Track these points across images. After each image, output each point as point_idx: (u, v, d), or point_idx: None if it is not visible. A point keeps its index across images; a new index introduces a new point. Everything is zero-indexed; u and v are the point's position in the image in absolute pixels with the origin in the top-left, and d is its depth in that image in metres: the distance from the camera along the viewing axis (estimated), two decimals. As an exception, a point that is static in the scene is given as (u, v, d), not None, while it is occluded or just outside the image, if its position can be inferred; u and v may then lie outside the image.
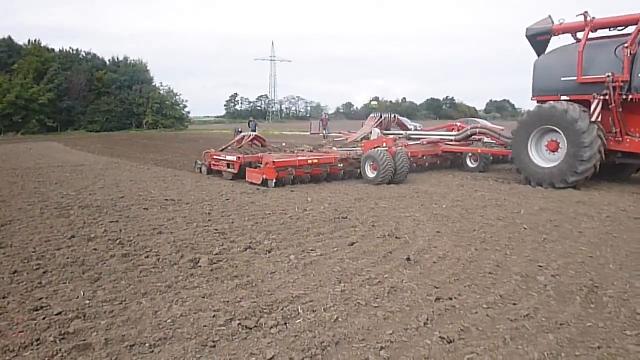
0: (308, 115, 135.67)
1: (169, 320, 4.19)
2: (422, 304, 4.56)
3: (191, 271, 5.49)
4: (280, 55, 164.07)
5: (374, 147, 13.03)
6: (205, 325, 4.09)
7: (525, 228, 7.55)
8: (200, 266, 5.65)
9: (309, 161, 12.67)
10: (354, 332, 3.97)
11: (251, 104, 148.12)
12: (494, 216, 8.40)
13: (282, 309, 4.41)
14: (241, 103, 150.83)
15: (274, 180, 11.97)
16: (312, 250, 6.30)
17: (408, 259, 5.86)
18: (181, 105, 73.39)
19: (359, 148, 14.60)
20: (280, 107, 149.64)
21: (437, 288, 4.96)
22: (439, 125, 21.98)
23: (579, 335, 3.93)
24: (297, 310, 4.40)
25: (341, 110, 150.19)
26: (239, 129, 41.04)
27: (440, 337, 3.86)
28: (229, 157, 13.72)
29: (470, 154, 15.91)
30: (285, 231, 7.31)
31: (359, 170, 13.36)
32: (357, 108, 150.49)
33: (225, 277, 5.30)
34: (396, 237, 6.93)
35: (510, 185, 12.49)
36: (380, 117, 19.36)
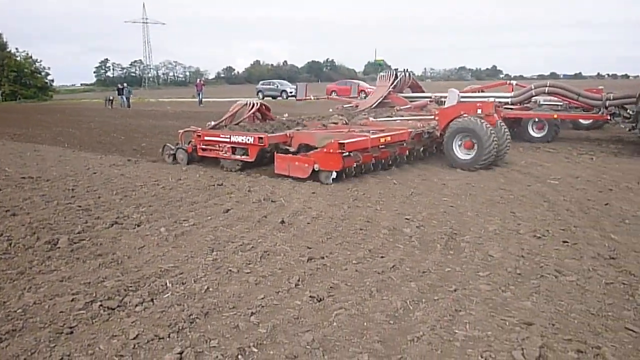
0: (187, 81, 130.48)
1: (20, 310, 3.80)
2: (294, 266, 4.59)
3: (48, 254, 5.03)
4: (153, 17, 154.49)
5: (459, 117, 9.37)
6: (61, 311, 3.76)
7: (395, 183, 7.90)
8: (59, 247, 5.20)
9: (382, 140, 8.57)
10: (224, 301, 3.88)
11: (124, 71, 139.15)
12: (368, 174, 8.68)
13: (149, 285, 4.20)
14: (113, 70, 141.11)
15: (333, 172, 8.00)
16: (184, 220, 6.08)
17: (282, 221, 5.87)
18: (43, 74, 66.91)
19: (413, 117, 10.91)
20: (157, 73, 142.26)
21: (309, 249, 5.02)
22: (482, 85, 17.72)
23: (438, 280, 4.19)
24: (166, 284, 4.21)
25: (222, 75, 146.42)
26: (111, 97, 38.51)
27: (310, 296, 3.91)
28: (238, 138, 9.08)
29: (535, 120, 12.92)
30: (157, 203, 6.97)
31: (424, 150, 10.12)
32: (238, 72, 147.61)
33: (88, 257, 4.93)
34: (272, 201, 6.90)
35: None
36: (395, 76, 14.87)
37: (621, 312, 3.59)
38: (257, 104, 11.05)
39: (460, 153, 9.22)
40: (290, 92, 47.00)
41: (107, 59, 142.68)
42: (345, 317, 3.56)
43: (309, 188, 7.67)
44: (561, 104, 13.28)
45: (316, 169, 8.04)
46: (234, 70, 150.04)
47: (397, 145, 9.07)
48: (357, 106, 14.15)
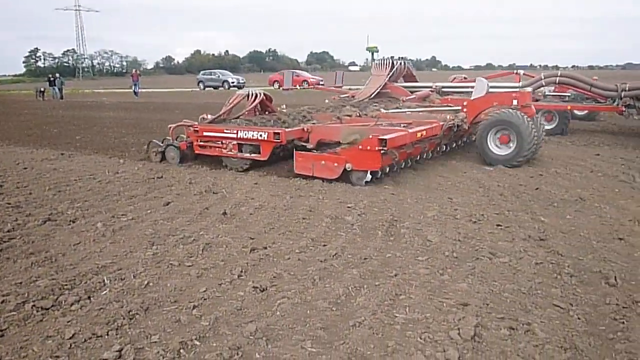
0: (125, 71, 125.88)
1: (-57, 315, 3.59)
2: (237, 257, 4.56)
3: (-26, 255, 4.77)
4: (86, 4, 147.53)
5: (491, 108, 8.76)
6: (-9, 314, 3.59)
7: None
8: (-14, 248, 4.93)
9: (419, 134, 7.69)
10: (165, 295, 3.81)
11: (56, 60, 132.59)
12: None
13: (86, 283, 4.06)
14: (44, 59, 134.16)
15: (368, 173, 7.13)
16: (122, 215, 5.90)
17: (224, 213, 5.81)
18: (-35, 63, 62.81)
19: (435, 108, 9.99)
20: (92, 63, 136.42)
21: (252, 239, 5.00)
22: (488, 75, 16.31)
23: (379, 266, 4.28)
24: (103, 281, 4.09)
25: (161, 65, 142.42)
26: (42, 89, 36.62)
27: (253, 287, 3.90)
28: (248, 134, 8.01)
29: (545, 112, 12.24)
30: (93, 197, 6.73)
31: (451, 145, 9.44)
32: (178, 62, 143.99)
33: (19, 256, 4.70)
34: (213, 193, 6.82)
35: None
36: (392, 64, 13.37)
37: (550, 289, 3.79)
38: (260, 94, 9.52)
39: (496, 148, 8.47)
40: (233, 83, 46.41)
41: (37, 48, 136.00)
42: (288, 305, 3.58)
43: (251, 179, 7.63)
44: (568, 94, 12.94)
45: (348, 169, 7.09)
46: (174, 60, 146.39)
47: (428, 140, 8.27)
48: (353, 97, 12.87)
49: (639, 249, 4.53)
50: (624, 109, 11.29)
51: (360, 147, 6.94)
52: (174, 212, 5.96)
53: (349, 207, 6.00)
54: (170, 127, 9.33)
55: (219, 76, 48.01)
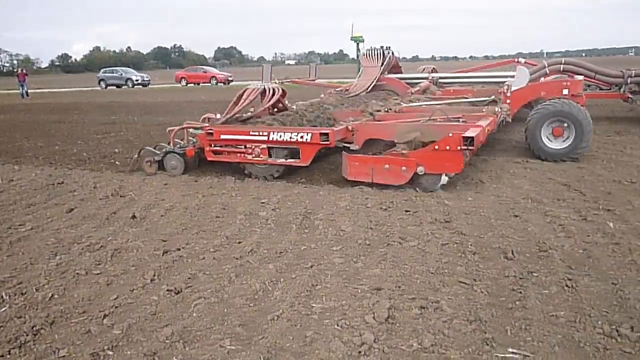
0: (15, 70, 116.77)
1: None
2: (149, 261, 4.42)
3: None
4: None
5: (538, 99, 8.32)
6: None
7: (250, 168, 7.93)
8: None
9: (487, 130, 6.99)
10: (72, 307, 3.63)
11: None
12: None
13: (-19, 300, 3.77)
14: None
15: (444, 176, 6.33)
16: (20, 225, 5.51)
17: (133, 216, 5.60)
18: None
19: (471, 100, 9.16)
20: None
21: (164, 241, 4.87)
22: (482, 65, 16.10)
23: (295, 259, 4.33)
24: (2, 297, 3.81)
25: (57, 64, 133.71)
26: None
27: (167, 290, 3.81)
28: (285, 136, 6.88)
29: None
30: (-15, 209, 6.23)
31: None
32: (76, 60, 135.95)
33: None
34: (121, 196, 6.54)
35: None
36: (383, 54, 12.19)
37: (455, 268, 4.02)
38: (278, 90, 8.17)
39: (549, 142, 7.87)
40: (137, 80, 44.59)
41: None
42: (204, 306, 3.54)
43: (160, 180, 7.39)
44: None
45: (420, 173, 6.21)
46: (71, 57, 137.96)
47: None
48: (347, 90, 11.82)
49: (530, 224, 4.92)
50: (629, 96, 11.02)
51: (437, 147, 6.08)
52: (79, 219, 5.66)
53: (262, 202, 5.99)
54: (171, 131, 7.97)
55: (121, 74, 45.95)
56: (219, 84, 43.85)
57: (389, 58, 12.35)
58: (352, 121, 7.33)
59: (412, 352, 2.91)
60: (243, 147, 7.19)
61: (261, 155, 7.10)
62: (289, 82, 16.20)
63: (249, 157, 7.18)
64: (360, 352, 2.92)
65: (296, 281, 3.86)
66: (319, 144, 6.76)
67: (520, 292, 3.58)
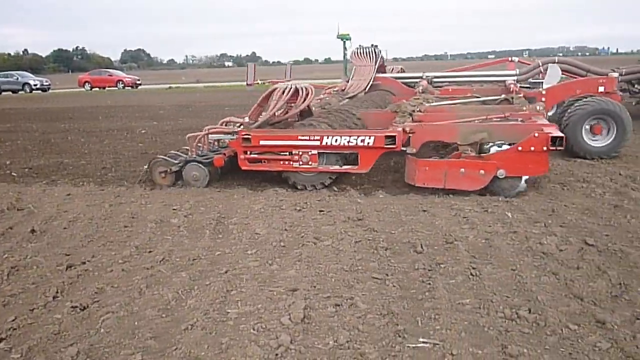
0: None
1: None
2: (50, 277, 4.14)
3: None
4: None
5: (572, 97, 8.26)
6: None
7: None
8: None
9: None
10: (-38, 333, 3.32)
11: None
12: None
13: None
14: None
15: (523, 180, 6.04)
16: None
17: (33, 230, 5.23)
18: None
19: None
20: None
21: (68, 255, 4.59)
22: (475, 64, 15.67)
23: (209, 265, 4.24)
24: None
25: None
26: None
27: (72, 307, 3.58)
28: (342, 139, 6.30)
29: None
30: None
31: None
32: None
33: None
34: (18, 209, 6.08)
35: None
36: (375, 53, 11.51)
37: (368, 264, 4.13)
38: (311, 90, 7.33)
39: (591, 140, 7.80)
40: (35, 85, 41.73)
41: None
42: (113, 320, 3.37)
43: (63, 190, 6.96)
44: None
45: (500, 176, 5.84)
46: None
47: None
48: (342, 90, 11.10)
49: (438, 218, 5.16)
50: (620, 93, 10.68)
51: (520, 148, 5.77)
52: (-32, 237, 5.20)
53: (174, 209, 5.82)
54: (192, 137, 7.14)
55: (17, 78, 42.70)
56: (126, 87, 42.08)
57: (380, 57, 11.93)
58: (400, 123, 6.58)
59: (328, 350, 2.95)
60: (288, 153, 6.51)
61: (311, 162, 6.42)
62: (269, 82, 15.42)
63: (295, 164, 6.49)
64: (277, 354, 2.91)
65: (210, 288, 3.79)
66: (383, 148, 6.27)
67: (429, 284, 3.74)
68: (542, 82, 10.87)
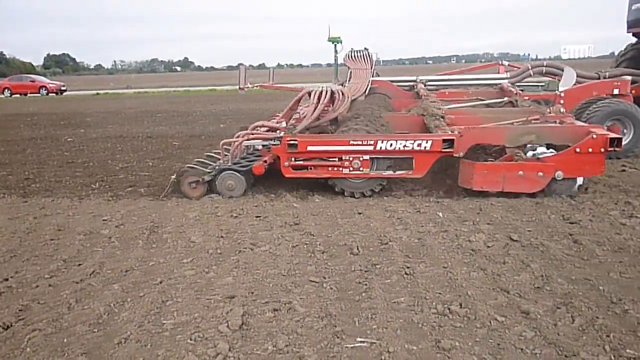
0: None
1: None
2: (-31, 297, 3.89)
3: None
4: None
5: (591, 98, 8.45)
6: None
7: (94, 187, 7.38)
8: None
9: None
10: None
11: None
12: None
13: None
14: None
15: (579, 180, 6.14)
16: None
17: (-53, 248, 4.88)
18: None
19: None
20: None
21: (-12, 272, 4.32)
22: (466, 68, 15.45)
23: (143, 276, 4.12)
24: None
25: None
26: None
27: (-6, 327, 3.39)
28: (397, 144, 6.12)
29: (534, 102, 10.78)
30: None
31: None
32: None
33: None
34: None
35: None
36: (369, 56, 11.45)
37: (306, 268, 4.15)
38: (348, 94, 7.05)
39: None
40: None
41: None
42: (40, 339, 3.21)
43: (-19, 203, 6.54)
44: (543, 84, 12.46)
45: (558, 178, 5.89)
46: None
47: None
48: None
49: (373, 220, 5.27)
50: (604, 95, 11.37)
51: (578, 149, 5.82)
52: None
53: (104, 220, 5.61)
54: (229, 144, 6.66)
55: None
56: (50, 94, 40.08)
57: (374, 60, 11.84)
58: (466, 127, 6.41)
59: (268, 356, 2.94)
60: (337, 159, 6.27)
61: (362, 168, 6.22)
62: (257, 87, 15.24)
63: (345, 170, 6.26)
64: (215, 363, 2.87)
65: (145, 299, 3.68)
66: (440, 152, 6.13)
67: (366, 284, 3.81)
68: (530, 85, 11.63)
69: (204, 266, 4.24)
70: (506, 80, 10.75)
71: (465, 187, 6.15)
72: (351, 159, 6.19)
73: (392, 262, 4.19)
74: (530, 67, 11.02)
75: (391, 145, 6.10)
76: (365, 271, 4.05)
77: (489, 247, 4.47)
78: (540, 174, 5.87)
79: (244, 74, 14.25)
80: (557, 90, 8.88)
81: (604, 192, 6.07)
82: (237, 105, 21.55)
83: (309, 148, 6.24)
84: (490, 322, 3.21)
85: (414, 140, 6.08)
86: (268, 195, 6.48)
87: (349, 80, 11.04)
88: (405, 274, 3.97)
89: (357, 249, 4.46)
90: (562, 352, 2.88)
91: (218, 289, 3.81)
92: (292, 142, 6.22)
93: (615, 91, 8.63)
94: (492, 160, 6.55)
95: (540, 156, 5.97)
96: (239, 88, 13.99)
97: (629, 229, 4.84)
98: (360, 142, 6.15)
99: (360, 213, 5.53)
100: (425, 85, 11.07)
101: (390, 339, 3.04)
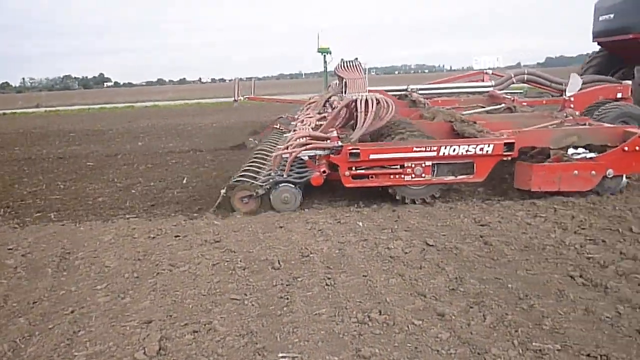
0: None
1: None
2: None
3: None
4: None
5: (598, 102, 8.90)
6: None
7: (-7, 212, 6.90)
8: None
9: None
10: None
11: None
12: None
13: None
14: None
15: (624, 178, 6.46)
16: None
17: None
18: None
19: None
20: None
21: None
22: (453, 77, 15.37)
23: (52, 306, 3.88)
24: None
25: None
26: None
27: None
28: (460, 149, 6.17)
29: None
30: None
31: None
32: None
33: None
34: None
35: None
36: (361, 66, 10.93)
37: (226, 286, 4.09)
38: (393, 104, 6.82)
39: None
40: None
41: None
42: None
43: None
44: (521, 91, 13.10)
45: (609, 176, 6.19)
46: None
47: None
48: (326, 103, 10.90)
49: (294, 233, 5.29)
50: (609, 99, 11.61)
51: (626, 148, 6.12)
52: None
53: (9, 249, 5.24)
54: (277, 156, 6.46)
55: None
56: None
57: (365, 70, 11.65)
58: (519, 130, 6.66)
59: (187, 380, 2.86)
60: (399, 166, 6.20)
61: (424, 175, 6.19)
62: (246, 98, 15.04)
63: (407, 177, 6.20)
64: (130, 392, 2.76)
65: (54, 331, 3.47)
66: (501, 156, 6.20)
67: (287, 298, 3.81)
68: (511, 93, 11.86)
69: (119, 291, 4.07)
70: (492, 88, 11.28)
71: (523, 188, 6.35)
72: (413, 165, 6.20)
73: (313, 274, 4.22)
74: (513, 75, 11.57)
75: (454, 150, 6.17)
76: (287, 285, 4.04)
77: (406, 253, 4.61)
78: (593, 172, 6.16)
79: (237, 87, 14.86)
80: (565, 95, 9.37)
81: (512, 194, 6.43)
82: (155, 122, 20.94)
83: (371, 156, 6.16)
84: (408, 327, 3.31)
85: (476, 145, 6.19)
86: (187, 214, 6.33)
87: (345, 91, 10.61)
88: (327, 285, 4.01)
89: (279, 263, 4.46)
90: (474, 350, 3.01)
91: (134, 315, 3.66)
92: (354, 151, 6.11)
93: (619, 95, 9.38)
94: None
95: (585, 156, 6.35)
96: (234, 100, 14.50)
97: (534, 228, 5.17)
98: (423, 149, 6.17)
99: (281, 227, 5.52)
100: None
101: (311, 351, 3.06)
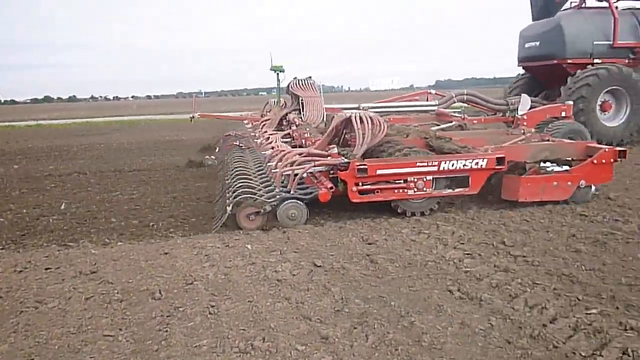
0: None
1: None
2: None
3: None
4: None
5: (545, 120, 10.49)
6: None
7: None
8: None
9: None
10: None
11: None
12: None
13: None
14: None
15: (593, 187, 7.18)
16: None
17: None
18: None
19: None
20: None
21: None
22: (399, 96, 15.43)
23: None
24: None
25: None
26: None
27: None
28: (458, 163, 6.49)
29: None
30: None
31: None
32: None
33: None
34: None
35: None
36: (312, 82, 11.48)
37: (100, 321, 3.78)
38: (383, 120, 7.12)
39: None
40: None
41: None
42: None
43: None
44: (460, 110, 13.14)
45: (582, 186, 6.81)
46: None
47: None
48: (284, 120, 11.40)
49: (179, 259, 5.02)
50: (511, 119, 12.28)
51: (595, 161, 6.80)
52: None
53: None
54: (280, 172, 6.51)
55: None
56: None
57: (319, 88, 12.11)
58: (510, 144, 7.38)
59: None
60: (402, 181, 6.38)
61: (425, 188, 6.44)
62: (198, 115, 15.28)
63: (410, 191, 6.41)
64: None
65: None
66: (493, 169, 6.60)
67: (167, 331, 3.60)
68: (456, 111, 12.89)
69: (-28, 336, 3.62)
70: (436, 107, 12.29)
71: (511, 199, 6.80)
72: (416, 180, 6.44)
73: (196, 303, 4.03)
74: (454, 95, 12.66)
75: (453, 164, 6.50)
76: (167, 316, 3.82)
77: (294, 275, 4.55)
78: (569, 183, 6.79)
79: (194, 104, 16.16)
80: (518, 114, 10.76)
81: (398, 212, 6.64)
82: (36, 143, 19.39)
83: (378, 172, 6.32)
84: (291, 353, 3.24)
85: (472, 159, 6.55)
86: (63, 243, 5.84)
87: (302, 109, 11.39)
88: (210, 313, 3.84)
89: (160, 292, 4.21)
90: (355, 373, 3.00)
91: (-14, 362, 3.26)
92: (361, 167, 6.21)
93: (563, 113, 10.69)
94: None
95: (553, 169, 6.99)
96: (191, 117, 15.28)
97: (418, 244, 5.36)
98: (425, 163, 6.45)
99: (166, 253, 5.25)
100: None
101: (187, 388, 2.88)
